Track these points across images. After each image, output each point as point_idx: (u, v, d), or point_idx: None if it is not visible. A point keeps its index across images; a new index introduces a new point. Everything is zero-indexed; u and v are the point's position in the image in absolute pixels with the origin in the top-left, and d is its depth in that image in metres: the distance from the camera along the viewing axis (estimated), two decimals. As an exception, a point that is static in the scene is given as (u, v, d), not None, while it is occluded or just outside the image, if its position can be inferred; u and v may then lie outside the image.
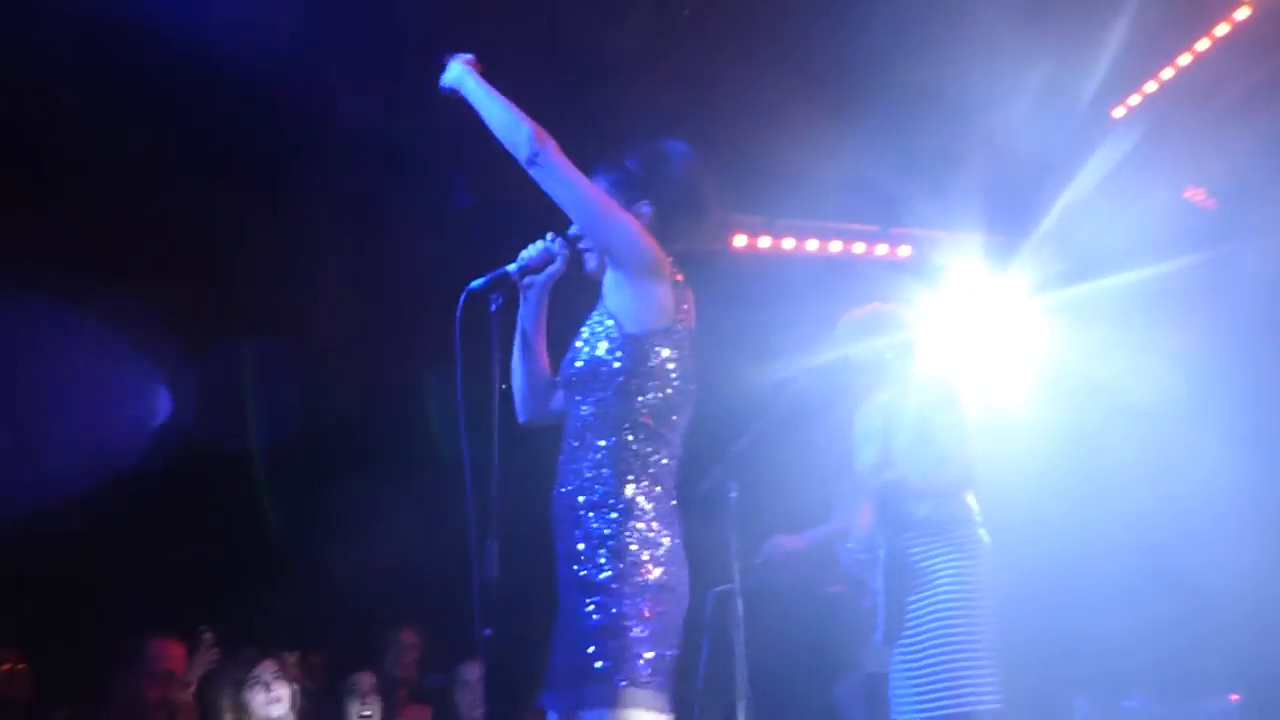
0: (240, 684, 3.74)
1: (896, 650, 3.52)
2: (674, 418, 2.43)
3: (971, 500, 3.60)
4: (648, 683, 2.24)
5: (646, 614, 2.28)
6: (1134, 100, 4.99)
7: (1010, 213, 5.37)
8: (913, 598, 3.49)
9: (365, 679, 4.21)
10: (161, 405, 5.05)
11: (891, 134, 4.77)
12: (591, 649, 2.24)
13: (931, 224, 5.53)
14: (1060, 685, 4.60)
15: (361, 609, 4.81)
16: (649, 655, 2.25)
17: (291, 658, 4.53)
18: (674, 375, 2.42)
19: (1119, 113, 5.02)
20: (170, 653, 3.48)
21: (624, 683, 2.22)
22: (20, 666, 4.15)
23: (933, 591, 3.46)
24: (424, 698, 4.72)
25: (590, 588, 2.29)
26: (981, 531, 3.55)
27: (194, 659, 3.70)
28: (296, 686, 3.87)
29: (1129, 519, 4.69)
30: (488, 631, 2.31)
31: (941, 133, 4.91)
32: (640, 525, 2.32)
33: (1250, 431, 4.52)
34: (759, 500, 3.77)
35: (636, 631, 2.25)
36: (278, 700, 3.76)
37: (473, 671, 4.30)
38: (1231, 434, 4.51)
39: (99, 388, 4.89)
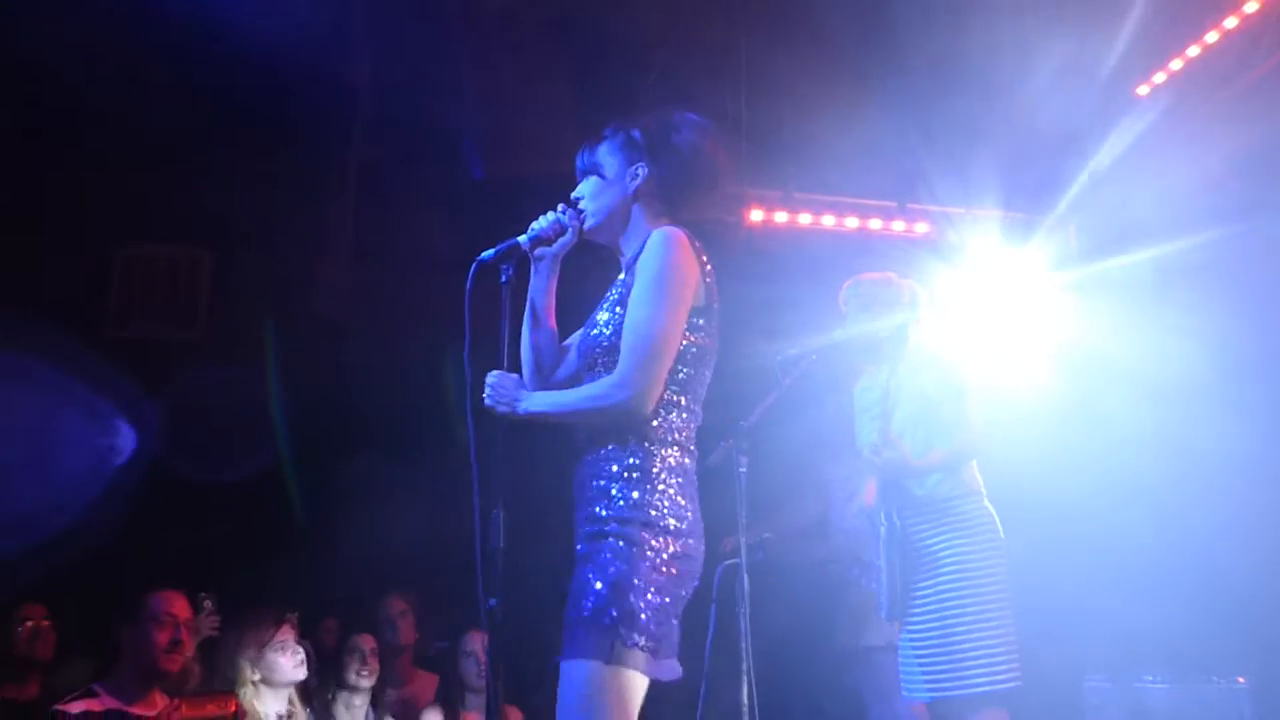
0: (264, 646, 3.79)
1: (904, 629, 3.52)
2: (697, 389, 2.45)
3: (976, 473, 3.58)
4: (646, 646, 2.26)
5: (659, 580, 2.30)
6: (1159, 78, 4.93)
7: (1029, 190, 5.32)
8: (917, 576, 3.49)
9: (365, 641, 4.24)
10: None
11: (911, 109, 4.74)
12: (599, 605, 2.26)
13: (949, 200, 5.48)
14: (1072, 663, 4.59)
15: (370, 578, 4.85)
16: (654, 620, 2.27)
17: (330, 623, 4.59)
18: (697, 349, 2.43)
19: (1143, 90, 4.96)
20: (173, 601, 3.53)
21: (624, 641, 2.24)
22: (44, 624, 4.23)
23: (937, 570, 3.45)
24: (430, 665, 4.76)
25: (608, 551, 2.30)
26: (987, 504, 3.53)
27: (195, 623, 3.76)
28: (310, 653, 3.92)
29: (1143, 497, 4.66)
30: (493, 601, 2.33)
31: (961, 109, 4.87)
32: (664, 494, 2.34)
33: (1269, 410, 4.48)
34: (766, 475, 3.77)
35: (647, 595, 2.27)
36: (302, 664, 3.83)
37: (475, 641, 4.33)
38: (1250, 412, 4.47)
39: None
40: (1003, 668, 3.34)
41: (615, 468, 2.36)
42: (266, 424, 5.33)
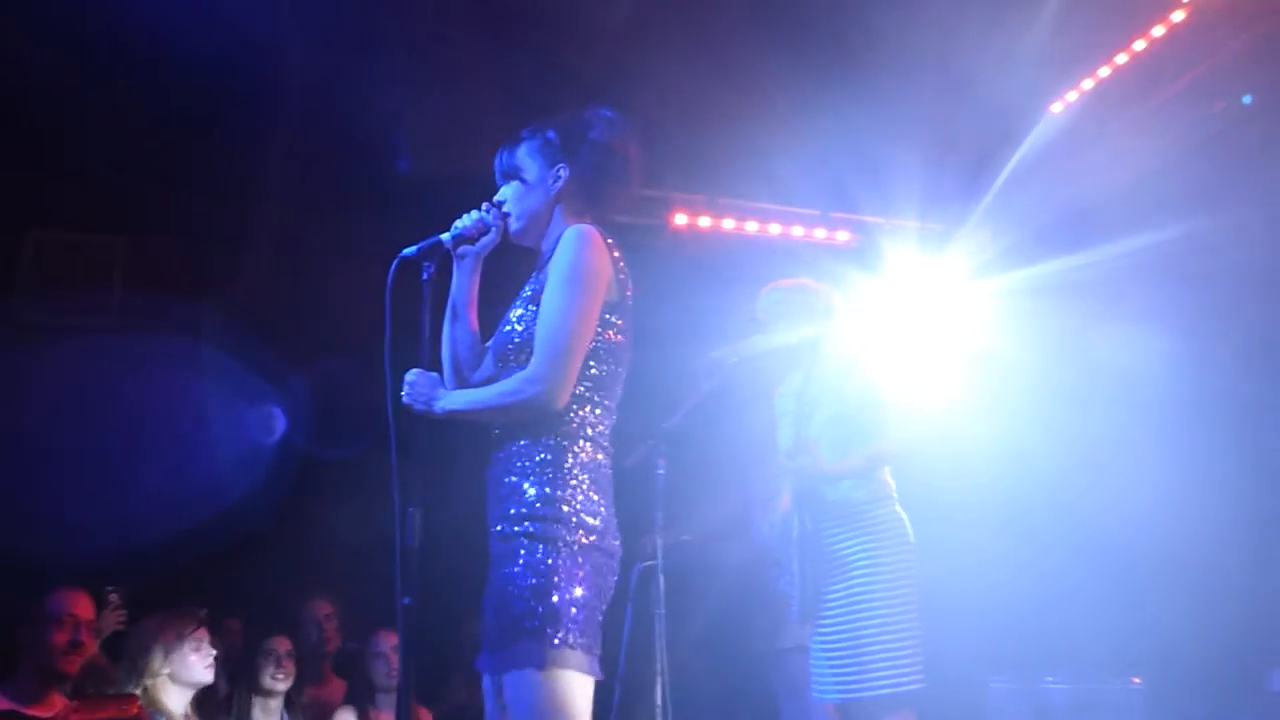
0: (180, 639, 3.71)
1: (814, 632, 3.57)
2: (611, 386, 2.46)
3: (888, 478, 3.65)
4: (577, 644, 2.26)
5: (580, 575, 2.30)
6: (1071, 96, 5.09)
7: (946, 201, 5.45)
8: (827, 580, 3.54)
9: (280, 643, 4.17)
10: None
11: (833, 119, 4.81)
12: (523, 608, 2.26)
13: (870, 210, 5.59)
14: (977, 665, 4.70)
15: (276, 575, 4.77)
16: (581, 617, 2.27)
17: (234, 623, 4.50)
18: (610, 345, 2.44)
19: (1057, 108, 5.11)
20: (74, 600, 3.44)
21: (555, 642, 2.23)
22: None
23: (846, 574, 3.51)
24: (339, 667, 4.70)
25: (524, 550, 2.30)
26: (898, 509, 3.60)
27: (100, 618, 3.66)
28: (219, 652, 3.84)
29: (1049, 501, 4.80)
30: (407, 600, 2.31)
31: (881, 119, 4.95)
32: (578, 490, 2.34)
33: (1177, 413, 4.64)
34: (685, 477, 3.81)
35: (570, 593, 2.27)
36: (210, 666, 3.75)
37: (387, 641, 4.28)
38: (1157, 416, 4.62)
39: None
40: (907, 670, 3.41)
41: (527, 464, 2.36)
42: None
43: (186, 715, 3.74)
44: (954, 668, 4.09)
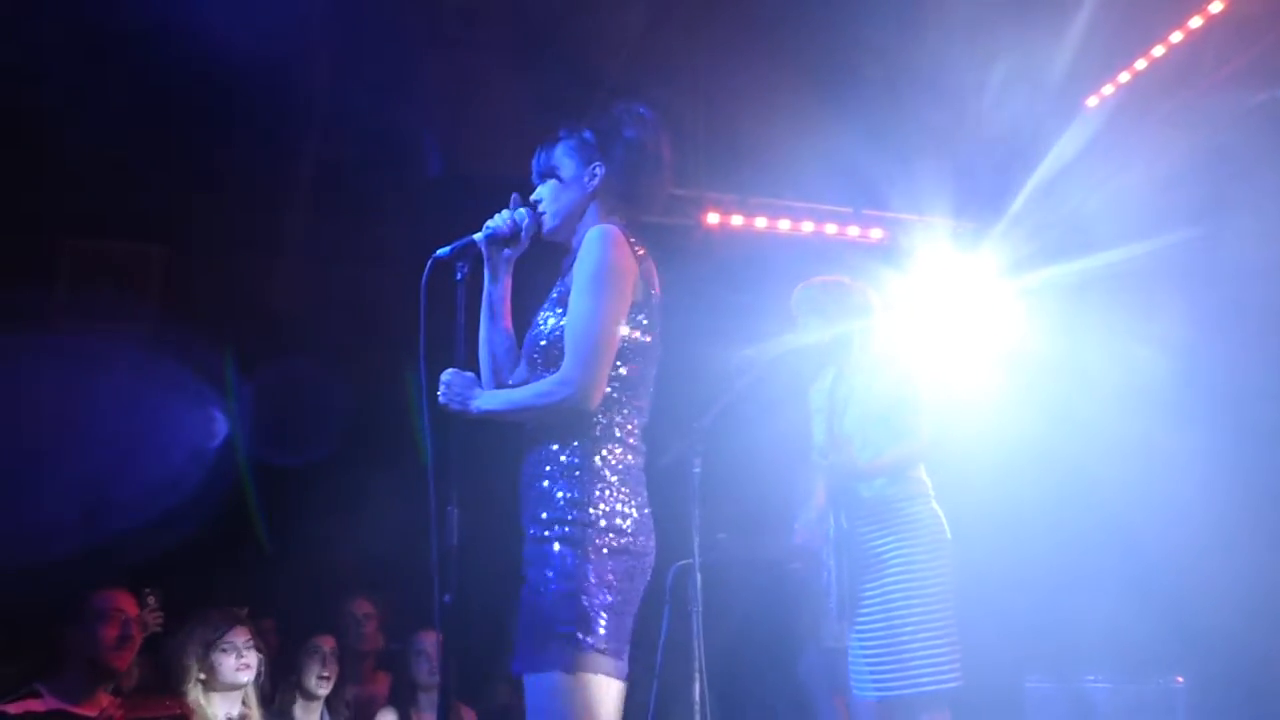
0: (210, 646, 3.73)
1: (852, 630, 3.57)
2: (640, 386, 2.46)
3: (924, 476, 3.64)
4: (605, 649, 2.27)
5: (610, 579, 2.30)
6: (1107, 90, 5.04)
7: (980, 198, 5.41)
8: (865, 577, 3.53)
9: (325, 642, 4.20)
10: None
11: (866, 117, 4.79)
12: (552, 612, 2.27)
13: (903, 208, 5.56)
14: (1015, 664, 4.67)
15: (318, 577, 4.82)
16: (609, 621, 2.28)
17: (268, 623, 4.53)
18: (639, 344, 2.44)
19: (1092, 102, 5.06)
20: (120, 597, 3.50)
21: (583, 646, 2.24)
22: None
23: (882, 572, 3.51)
24: (383, 666, 4.73)
25: (555, 552, 2.31)
26: (935, 506, 3.59)
27: (142, 618, 3.70)
28: (263, 655, 3.86)
29: (1087, 499, 4.76)
30: (447, 598, 2.33)
31: (915, 117, 4.93)
32: (607, 492, 2.35)
33: (1215, 413, 4.59)
34: (721, 475, 3.80)
35: (599, 597, 2.28)
36: (247, 666, 3.76)
37: (427, 640, 4.31)
38: (1196, 416, 4.57)
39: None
40: (945, 668, 3.40)
41: (556, 468, 2.37)
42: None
43: (244, 713, 3.76)
44: (992, 666, 4.07)
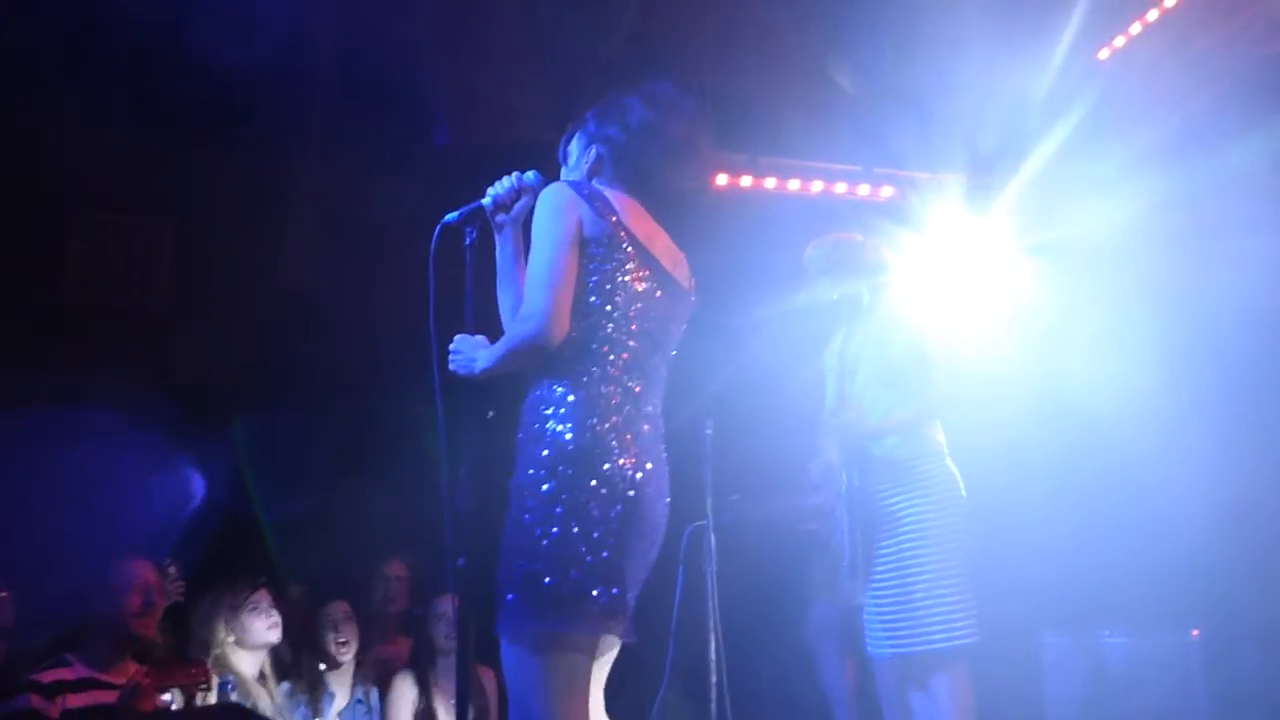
0: (238, 609, 3.84)
1: (867, 588, 3.58)
2: (622, 321, 2.43)
3: (938, 434, 3.63)
4: (571, 593, 2.25)
5: (592, 524, 2.28)
6: (1119, 42, 4.97)
7: (992, 156, 5.36)
8: (878, 536, 3.54)
9: (339, 608, 4.26)
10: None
11: (876, 74, 4.75)
12: (504, 577, 2.30)
13: (914, 165, 5.51)
14: (1031, 620, 4.69)
15: (340, 541, 4.85)
16: (587, 566, 2.26)
17: (295, 589, 4.59)
18: (604, 277, 2.42)
19: (1103, 54, 5.00)
20: (141, 566, 3.57)
21: (531, 614, 2.25)
22: (3, 594, 4.20)
23: (896, 530, 3.51)
24: (404, 629, 4.78)
25: (540, 491, 2.31)
26: (949, 464, 3.59)
27: (164, 587, 3.77)
28: (280, 615, 3.95)
29: (1099, 455, 4.75)
30: (461, 562, 2.35)
31: (925, 74, 4.88)
32: (598, 435, 2.33)
33: (1228, 371, 4.56)
34: (734, 437, 3.82)
35: (575, 543, 2.26)
36: (275, 625, 3.88)
37: (448, 603, 4.35)
38: (1208, 373, 4.55)
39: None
40: (960, 624, 3.41)
41: (544, 409, 2.38)
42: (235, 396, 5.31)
43: (261, 677, 3.86)
44: (1008, 623, 4.09)
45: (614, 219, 2.46)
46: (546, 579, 2.25)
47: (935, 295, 4.43)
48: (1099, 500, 4.72)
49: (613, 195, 2.50)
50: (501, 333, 2.58)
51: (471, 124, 5.07)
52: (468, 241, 2.53)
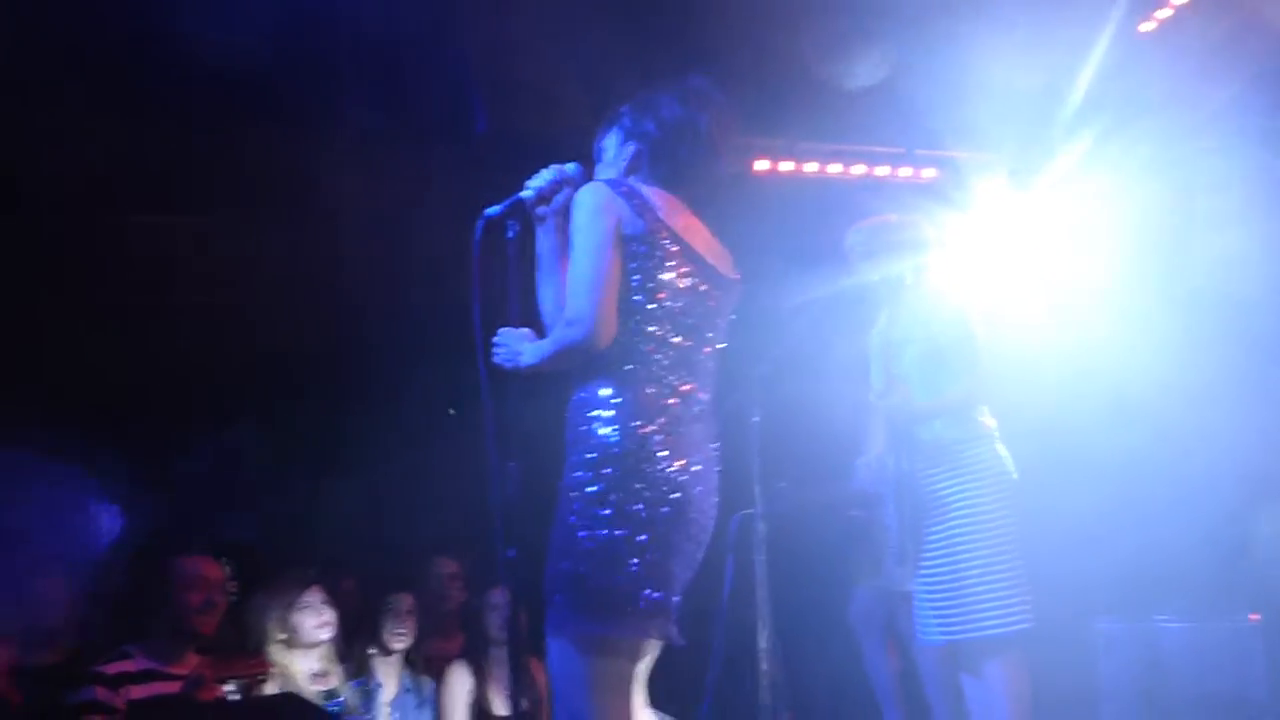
0: (289, 607, 3.88)
1: (917, 574, 3.55)
2: (665, 320, 2.43)
3: (986, 416, 3.59)
4: (608, 608, 2.27)
5: (635, 525, 2.29)
6: (1163, 13, 4.87)
7: (1036, 134, 5.28)
8: (926, 521, 3.51)
9: (404, 600, 4.29)
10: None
11: (915, 52, 4.69)
12: (550, 578, 2.32)
13: (957, 145, 5.45)
14: (1083, 605, 4.63)
15: (393, 534, 4.90)
16: (650, 574, 2.28)
17: (349, 583, 4.65)
18: (645, 277, 2.43)
19: (1147, 26, 4.90)
20: (203, 564, 3.66)
21: (576, 614, 2.27)
22: (58, 583, 4.28)
23: (945, 516, 3.47)
24: (459, 622, 4.81)
25: (585, 492, 2.32)
26: (998, 447, 3.54)
27: (225, 584, 3.82)
28: (336, 613, 3.99)
29: (1154, 435, 4.68)
30: (511, 553, 2.37)
31: (968, 52, 4.81)
32: (641, 436, 2.33)
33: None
34: (781, 423, 3.80)
35: (620, 543, 2.27)
36: (326, 624, 3.91)
37: (501, 595, 4.38)
38: (1270, 347, 4.46)
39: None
40: (1014, 610, 3.37)
41: (589, 411, 2.39)
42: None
43: (315, 675, 3.89)
44: (1061, 608, 4.04)
45: (652, 216, 2.45)
46: (591, 581, 2.26)
47: (979, 275, 4.38)
48: (1152, 482, 4.65)
49: (650, 192, 2.50)
50: (543, 325, 2.60)
51: (512, 112, 5.08)
52: (510, 234, 2.55)
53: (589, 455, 2.35)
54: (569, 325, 2.38)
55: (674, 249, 2.46)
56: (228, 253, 5.43)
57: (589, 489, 2.32)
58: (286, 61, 4.64)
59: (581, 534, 2.29)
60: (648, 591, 2.28)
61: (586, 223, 2.42)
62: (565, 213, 2.59)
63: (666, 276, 2.44)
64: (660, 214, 2.47)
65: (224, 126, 4.92)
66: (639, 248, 2.42)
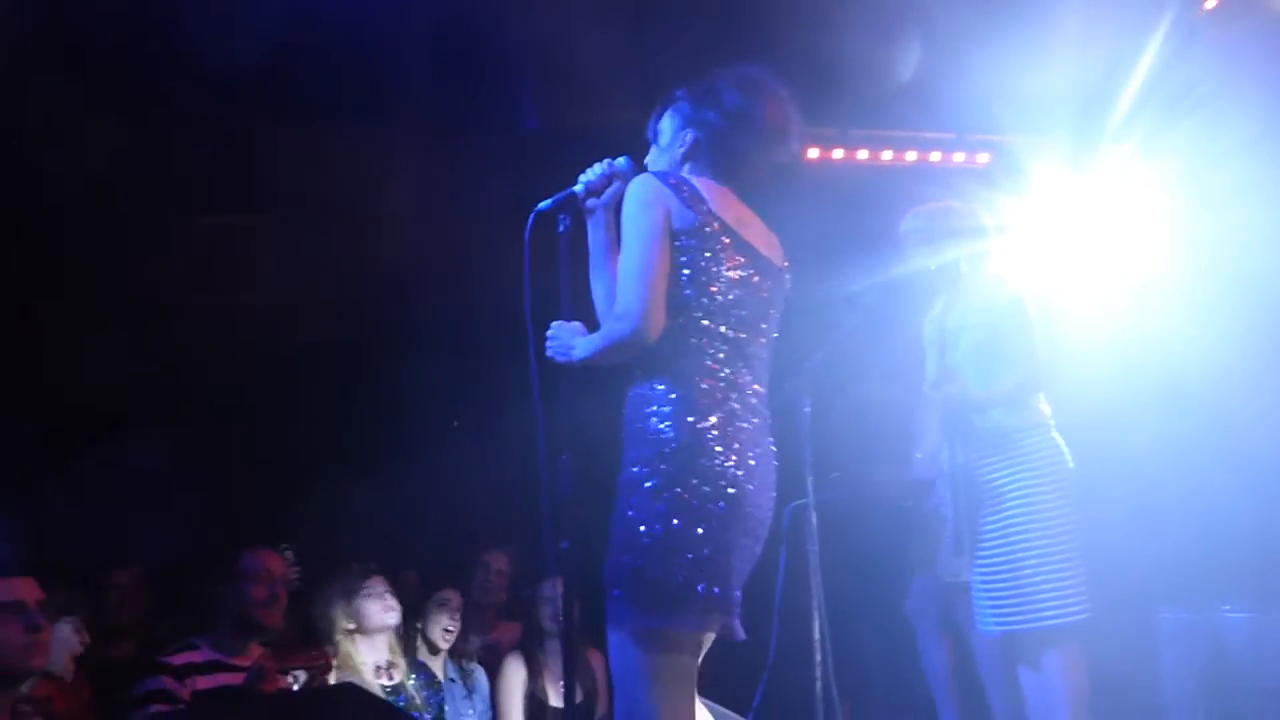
0: (353, 594, 3.94)
1: (973, 564, 3.52)
2: (716, 313, 2.44)
3: (1043, 405, 3.54)
4: (677, 590, 2.27)
5: (694, 522, 2.30)
6: (1228, -10, 4.74)
7: (1094, 115, 5.18)
8: (983, 511, 3.47)
9: (454, 596, 4.34)
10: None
11: (966, 35, 4.62)
12: (611, 570, 2.33)
13: (1012, 129, 5.36)
14: (1145, 596, 4.55)
15: (450, 527, 4.95)
16: (670, 575, 2.28)
17: (410, 575, 4.71)
18: (695, 270, 2.42)
19: (1210, 3, 4.78)
20: (267, 557, 3.72)
21: (638, 604, 2.28)
22: (133, 585, 4.40)
23: (1001, 506, 3.43)
24: (513, 614, 4.86)
25: (643, 489, 2.33)
26: (1055, 436, 3.49)
27: (287, 576, 3.89)
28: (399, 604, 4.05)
29: (1214, 423, 4.57)
30: (564, 545, 2.38)
31: (1021, 32, 4.73)
32: (697, 432, 2.34)
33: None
34: (834, 413, 3.78)
35: (677, 538, 2.28)
36: (391, 609, 3.97)
37: (554, 587, 4.41)
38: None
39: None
40: (1072, 600, 3.33)
41: (646, 407, 2.39)
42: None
43: (380, 668, 3.94)
44: (1122, 598, 3.98)
45: (704, 208, 2.45)
46: (649, 574, 2.27)
47: (1036, 262, 4.31)
48: (1218, 467, 4.55)
49: (701, 184, 2.49)
50: (595, 318, 2.61)
51: (563, 107, 5.09)
52: (561, 229, 2.56)
53: (646, 451, 2.36)
54: (618, 319, 2.38)
55: (725, 241, 2.45)
56: (278, 251, 5.52)
57: (646, 484, 2.33)
58: (332, 59, 4.69)
59: (641, 529, 2.30)
60: (704, 586, 2.28)
61: (636, 215, 2.41)
62: (616, 207, 2.60)
63: (718, 269, 2.44)
64: (712, 206, 2.46)
65: (271, 124, 4.99)
66: (689, 240, 2.42)
